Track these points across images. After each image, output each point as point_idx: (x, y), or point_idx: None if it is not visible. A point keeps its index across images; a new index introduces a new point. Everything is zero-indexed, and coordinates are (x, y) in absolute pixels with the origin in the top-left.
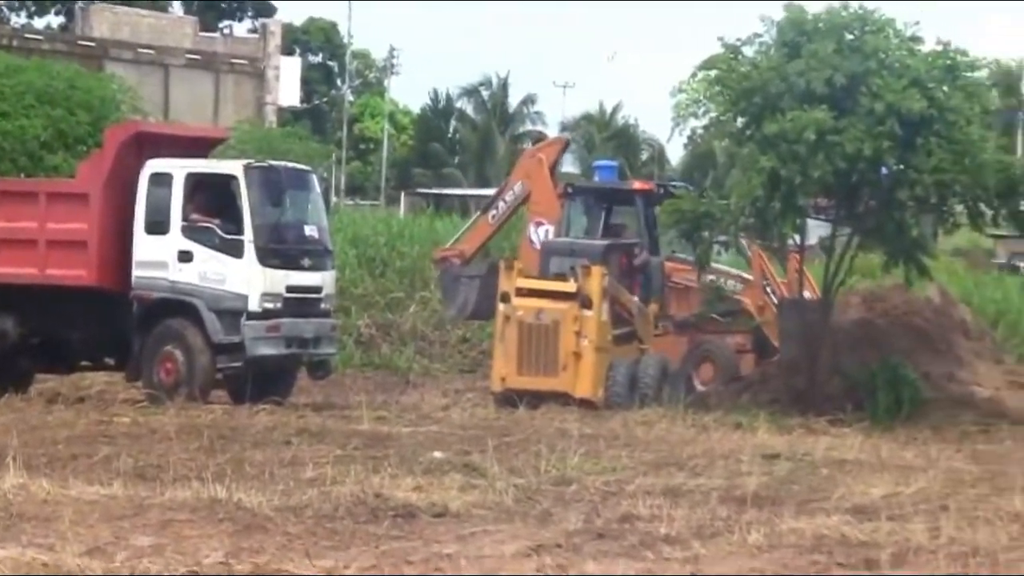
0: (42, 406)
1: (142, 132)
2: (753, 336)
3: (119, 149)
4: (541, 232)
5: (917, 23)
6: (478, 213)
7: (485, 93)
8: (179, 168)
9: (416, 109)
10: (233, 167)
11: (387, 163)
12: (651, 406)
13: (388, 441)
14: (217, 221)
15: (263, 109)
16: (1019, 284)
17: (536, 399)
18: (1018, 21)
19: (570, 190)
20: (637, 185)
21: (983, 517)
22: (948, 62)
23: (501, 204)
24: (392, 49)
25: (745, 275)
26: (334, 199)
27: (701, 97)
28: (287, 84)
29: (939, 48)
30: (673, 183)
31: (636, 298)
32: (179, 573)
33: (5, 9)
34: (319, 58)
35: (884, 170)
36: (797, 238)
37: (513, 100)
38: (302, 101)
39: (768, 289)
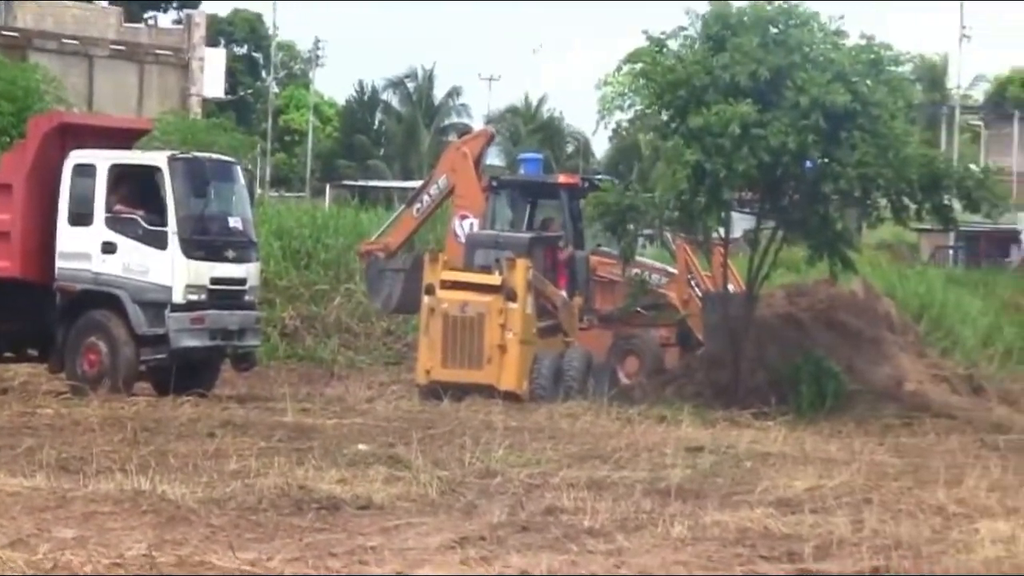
0: None
1: (66, 123)
2: (677, 330)
3: (43, 140)
4: (466, 225)
5: (842, 17)
6: (403, 206)
7: (411, 85)
8: (103, 159)
9: (341, 101)
10: (157, 158)
11: (312, 155)
12: (576, 399)
13: (312, 433)
14: (141, 212)
15: (187, 100)
16: (943, 278)
17: (461, 392)
18: (942, 15)
19: (494, 183)
20: (562, 179)
21: (906, 510)
22: (872, 56)
23: (425, 197)
24: (317, 41)
25: (669, 269)
26: (259, 191)
27: (626, 90)
28: (212, 75)
29: (863, 42)
30: (598, 176)
31: (562, 291)
32: (102, 565)
33: None
34: (244, 49)
35: (808, 164)
36: (722, 231)
37: (439, 92)
38: (227, 92)
39: (692, 283)
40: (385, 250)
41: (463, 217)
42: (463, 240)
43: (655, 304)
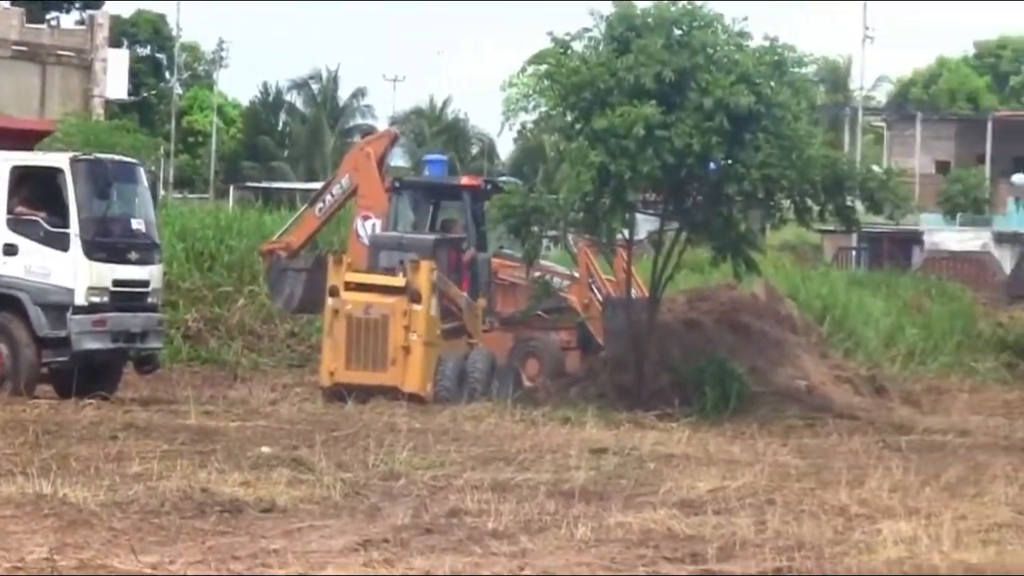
0: None
1: None
2: (578, 333)
3: None
4: (368, 226)
5: (745, 19)
6: (305, 206)
7: (315, 86)
8: (4, 160)
9: (245, 102)
10: (59, 160)
11: (215, 156)
12: (480, 401)
13: (215, 436)
14: (43, 214)
15: (90, 102)
16: (846, 279)
17: (365, 394)
18: (845, 17)
19: (397, 185)
20: (464, 180)
21: (809, 511)
22: (776, 58)
23: (328, 197)
24: (221, 42)
25: (571, 272)
26: (162, 192)
27: (531, 92)
28: (115, 77)
29: (767, 44)
30: (503, 178)
31: (465, 293)
32: (3, 568)
33: None
34: (147, 51)
35: (712, 165)
36: (626, 233)
37: (343, 93)
38: (130, 94)
39: (593, 287)
40: (287, 249)
41: (366, 217)
42: (366, 241)
43: (556, 307)
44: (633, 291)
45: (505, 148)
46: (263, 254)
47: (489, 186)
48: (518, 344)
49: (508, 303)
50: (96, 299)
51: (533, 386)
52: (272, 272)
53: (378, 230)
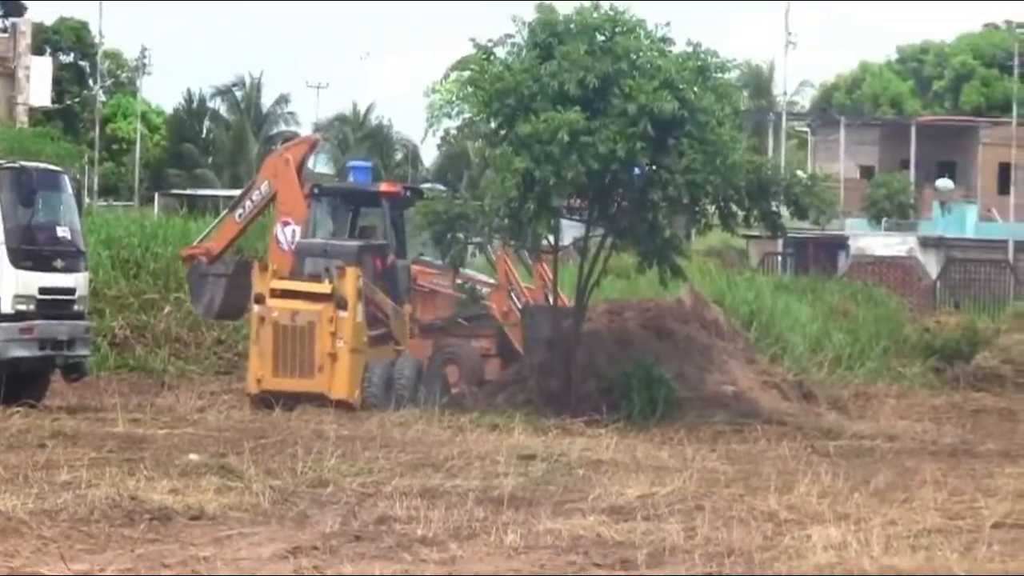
0: None
1: None
2: (497, 340)
3: None
4: (288, 232)
5: (667, 24)
6: (225, 211)
7: (238, 93)
8: None
9: (169, 109)
10: None
11: (140, 164)
12: (407, 407)
13: (143, 444)
14: None
15: (14, 109)
16: (772, 284)
17: (292, 401)
18: (767, 20)
19: (316, 191)
20: (383, 187)
21: (738, 516)
22: (699, 63)
23: (248, 203)
24: (144, 49)
25: (490, 280)
26: (87, 200)
27: (454, 98)
28: (38, 84)
29: (690, 49)
30: (426, 184)
31: (390, 301)
32: None
33: None
34: (70, 58)
35: (636, 171)
36: (551, 239)
37: (267, 100)
38: (53, 101)
39: (512, 294)
40: (207, 255)
41: (285, 224)
42: (286, 247)
43: (476, 315)
44: (523, 299)
45: (429, 154)
46: (183, 259)
47: (408, 192)
48: (438, 351)
49: (428, 310)
50: (22, 307)
51: (460, 392)
52: (192, 277)
53: (298, 236)
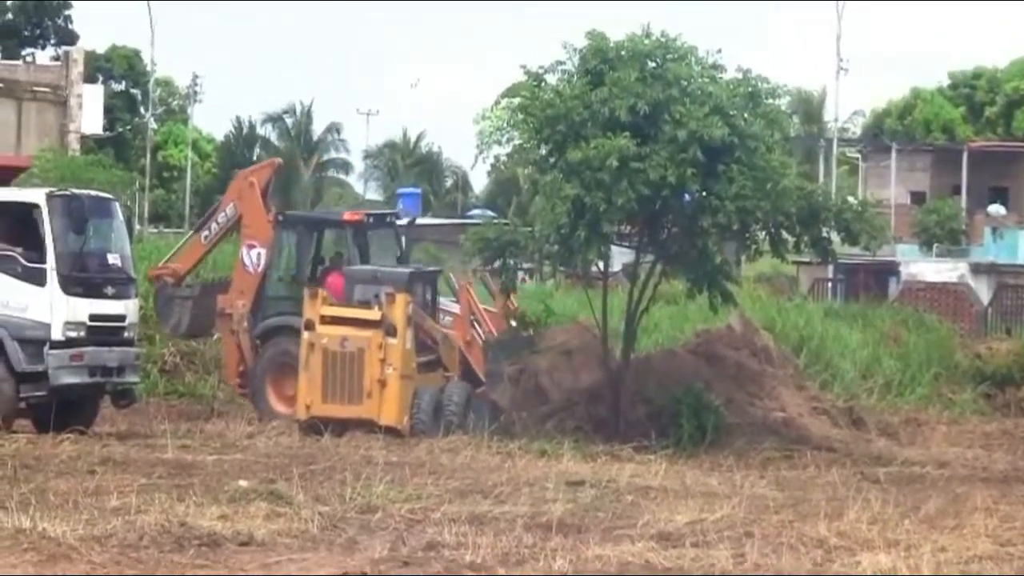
0: None
1: None
2: (461, 368)
3: None
4: (254, 255)
5: (719, 51)
6: (191, 232)
7: (289, 120)
8: None
9: (220, 137)
10: (35, 195)
11: (191, 191)
12: (456, 433)
13: (193, 470)
14: (20, 249)
15: (66, 137)
16: (822, 310)
17: (341, 427)
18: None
19: (281, 218)
20: (346, 216)
21: (787, 543)
22: (749, 89)
23: (214, 225)
24: (195, 76)
25: (453, 308)
26: (138, 227)
27: (505, 124)
28: (90, 112)
29: (740, 76)
30: (477, 210)
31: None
32: None
33: None
34: (122, 86)
35: (687, 197)
36: (601, 265)
37: (317, 127)
38: (105, 129)
39: (475, 323)
40: (173, 276)
41: (251, 246)
42: (251, 269)
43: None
44: (480, 328)
45: (479, 181)
46: (150, 279)
47: (371, 219)
48: None
49: None
50: (73, 334)
51: (509, 419)
52: (160, 298)
53: (263, 259)
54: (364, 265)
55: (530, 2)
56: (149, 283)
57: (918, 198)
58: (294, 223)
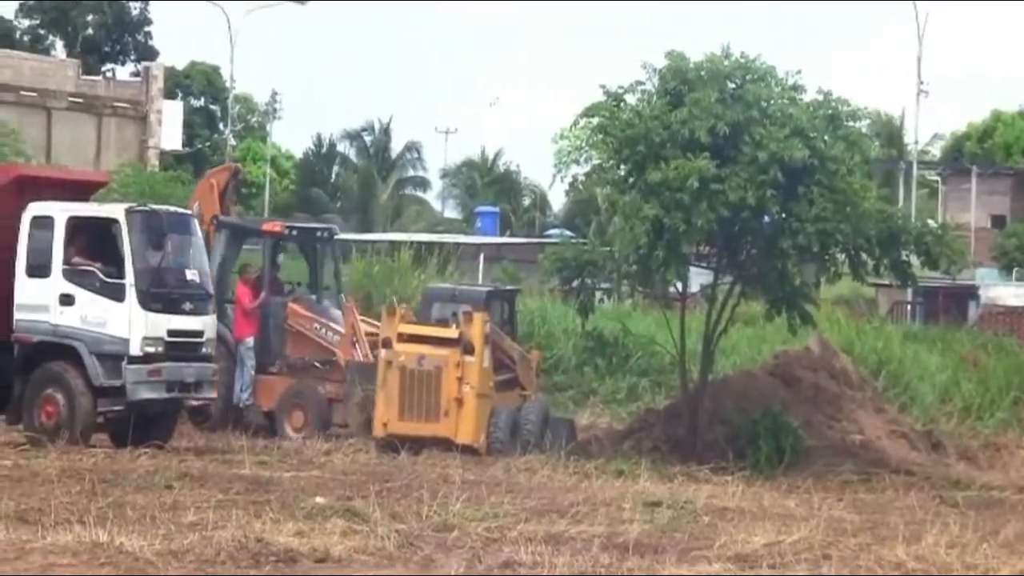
0: None
1: (24, 175)
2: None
3: (0, 192)
4: None
5: (799, 72)
6: None
7: (367, 138)
8: (61, 211)
9: (298, 154)
10: (114, 211)
11: (269, 207)
12: (533, 452)
13: (270, 486)
14: (99, 265)
15: (145, 153)
16: (901, 333)
17: (418, 445)
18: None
19: (215, 222)
20: (265, 226)
21: (865, 566)
22: (830, 111)
23: None
24: (274, 93)
25: (340, 328)
26: None
27: (583, 144)
28: (169, 128)
29: (820, 97)
30: (555, 229)
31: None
32: None
33: None
34: (201, 102)
35: (766, 219)
36: (679, 286)
37: (396, 145)
38: (184, 145)
39: (356, 343)
40: None
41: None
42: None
43: (328, 360)
44: (360, 349)
45: (557, 200)
46: None
47: (293, 232)
48: (286, 393)
49: (297, 349)
50: (151, 349)
51: (587, 439)
52: None
53: None
54: (273, 276)
55: (609, 22)
56: None
57: (998, 222)
58: (223, 228)
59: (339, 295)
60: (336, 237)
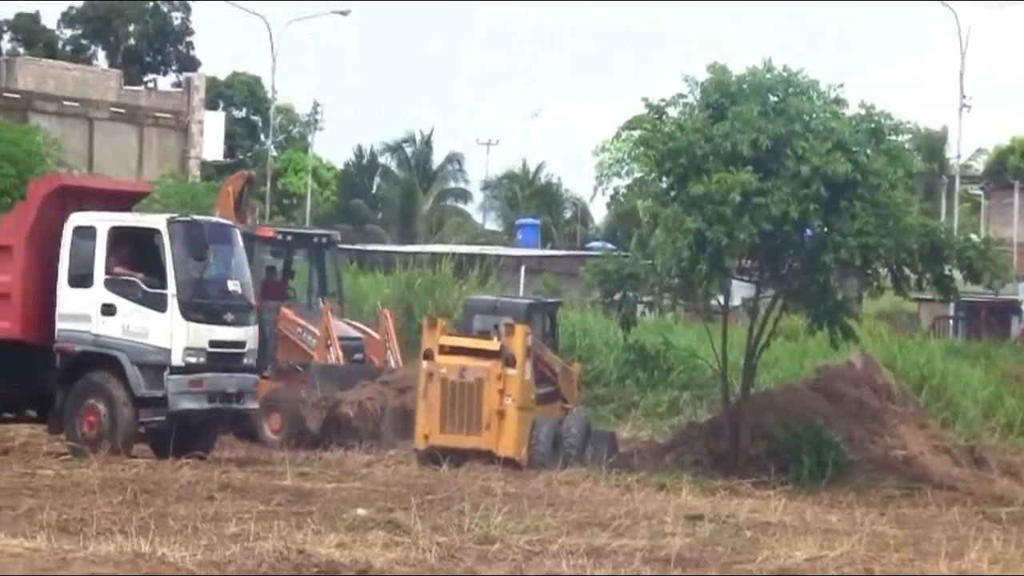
0: None
1: (66, 185)
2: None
3: (43, 202)
4: None
5: (841, 86)
6: None
7: (408, 150)
8: (103, 221)
9: (339, 165)
10: (156, 221)
11: (310, 218)
12: (574, 465)
13: (311, 497)
14: (140, 275)
15: (187, 163)
16: (943, 348)
17: (459, 457)
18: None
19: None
20: (259, 231)
21: None
22: (872, 125)
23: None
24: (316, 104)
25: (316, 331)
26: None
27: (625, 157)
28: (211, 138)
29: (863, 111)
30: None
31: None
32: None
33: None
34: (243, 112)
35: (808, 232)
36: (721, 299)
37: (437, 157)
38: (226, 155)
39: (330, 347)
40: None
41: None
42: None
43: (307, 364)
44: (392, 357)
45: (599, 212)
46: None
47: (287, 237)
48: (266, 396)
49: (288, 354)
50: (193, 359)
51: (628, 452)
52: None
53: None
54: (276, 281)
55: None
56: None
57: None
58: None
59: (340, 301)
60: (336, 244)
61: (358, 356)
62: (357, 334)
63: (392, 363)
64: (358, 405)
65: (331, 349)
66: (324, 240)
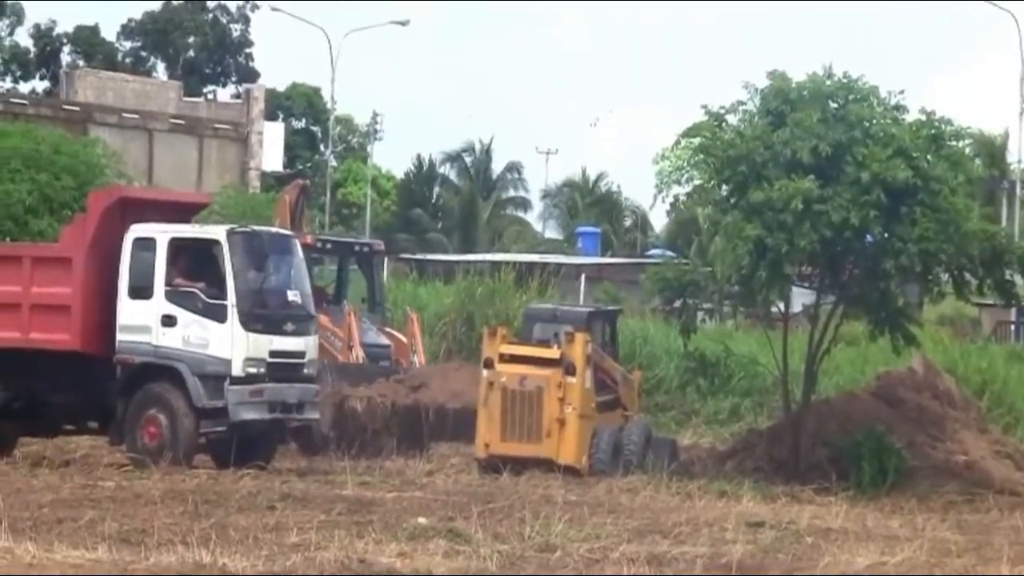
0: (27, 470)
1: (126, 197)
2: None
3: (103, 214)
4: None
5: (901, 92)
6: None
7: (468, 159)
8: (162, 233)
9: (399, 174)
10: (216, 232)
11: (370, 228)
12: (635, 473)
13: (372, 507)
14: (200, 286)
15: (246, 174)
16: (1005, 353)
17: (520, 465)
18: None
19: None
20: (307, 239)
21: None
22: (932, 131)
23: None
24: (375, 114)
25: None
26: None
27: (684, 164)
28: (270, 149)
29: (923, 117)
30: (657, 250)
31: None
32: None
33: None
34: (302, 123)
35: (869, 239)
36: (782, 306)
37: (496, 166)
38: (285, 166)
39: (351, 348)
40: None
41: None
42: None
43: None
44: (417, 358)
45: (659, 220)
46: None
47: (327, 245)
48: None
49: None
50: (253, 370)
51: (689, 459)
52: None
53: None
54: (316, 287)
55: (711, 42)
56: None
57: None
58: None
59: (373, 308)
60: (379, 253)
61: (384, 363)
62: (387, 341)
63: (416, 364)
64: (367, 400)
65: (353, 350)
66: (366, 249)
